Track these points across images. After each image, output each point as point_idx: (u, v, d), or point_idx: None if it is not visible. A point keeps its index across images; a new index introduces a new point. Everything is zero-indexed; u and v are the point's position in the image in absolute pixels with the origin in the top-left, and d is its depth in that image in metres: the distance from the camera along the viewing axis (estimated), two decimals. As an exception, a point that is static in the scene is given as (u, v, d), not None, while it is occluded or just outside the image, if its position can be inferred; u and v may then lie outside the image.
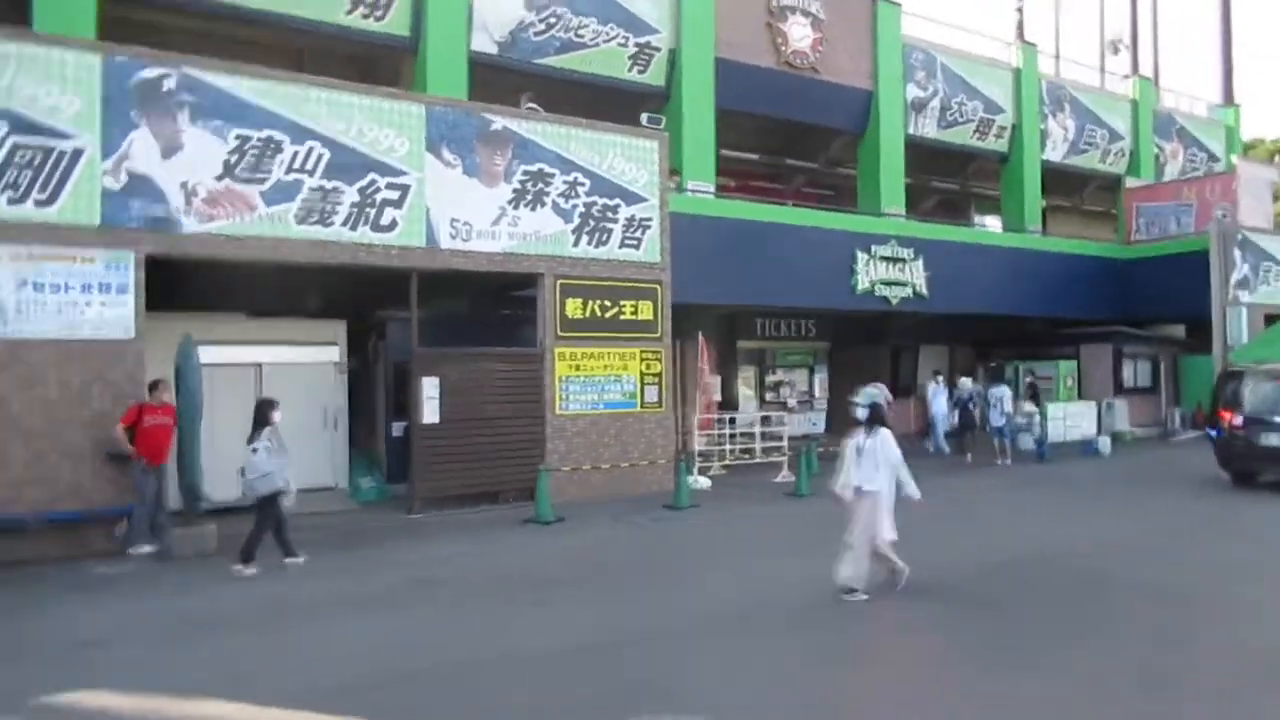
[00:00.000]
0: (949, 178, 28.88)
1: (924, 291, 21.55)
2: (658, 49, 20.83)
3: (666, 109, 21.42)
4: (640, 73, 20.82)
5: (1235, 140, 32.99)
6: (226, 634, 7.22)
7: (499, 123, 13.32)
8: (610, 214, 14.28)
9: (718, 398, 22.04)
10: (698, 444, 15.70)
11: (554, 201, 13.75)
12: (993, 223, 28.91)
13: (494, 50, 18.93)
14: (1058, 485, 15.17)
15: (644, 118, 15.85)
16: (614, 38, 20.25)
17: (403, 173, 12.51)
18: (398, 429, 14.12)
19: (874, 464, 7.92)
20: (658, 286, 14.75)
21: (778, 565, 9.41)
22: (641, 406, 14.48)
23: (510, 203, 13.37)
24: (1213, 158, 31.58)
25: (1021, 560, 9.37)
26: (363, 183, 12.22)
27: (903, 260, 21.25)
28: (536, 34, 19.34)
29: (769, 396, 23.66)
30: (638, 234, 14.55)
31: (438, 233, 12.79)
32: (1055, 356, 24.16)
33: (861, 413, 8.09)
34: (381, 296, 14.67)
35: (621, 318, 14.35)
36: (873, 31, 24.28)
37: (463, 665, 6.33)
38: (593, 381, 14.06)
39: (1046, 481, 15.61)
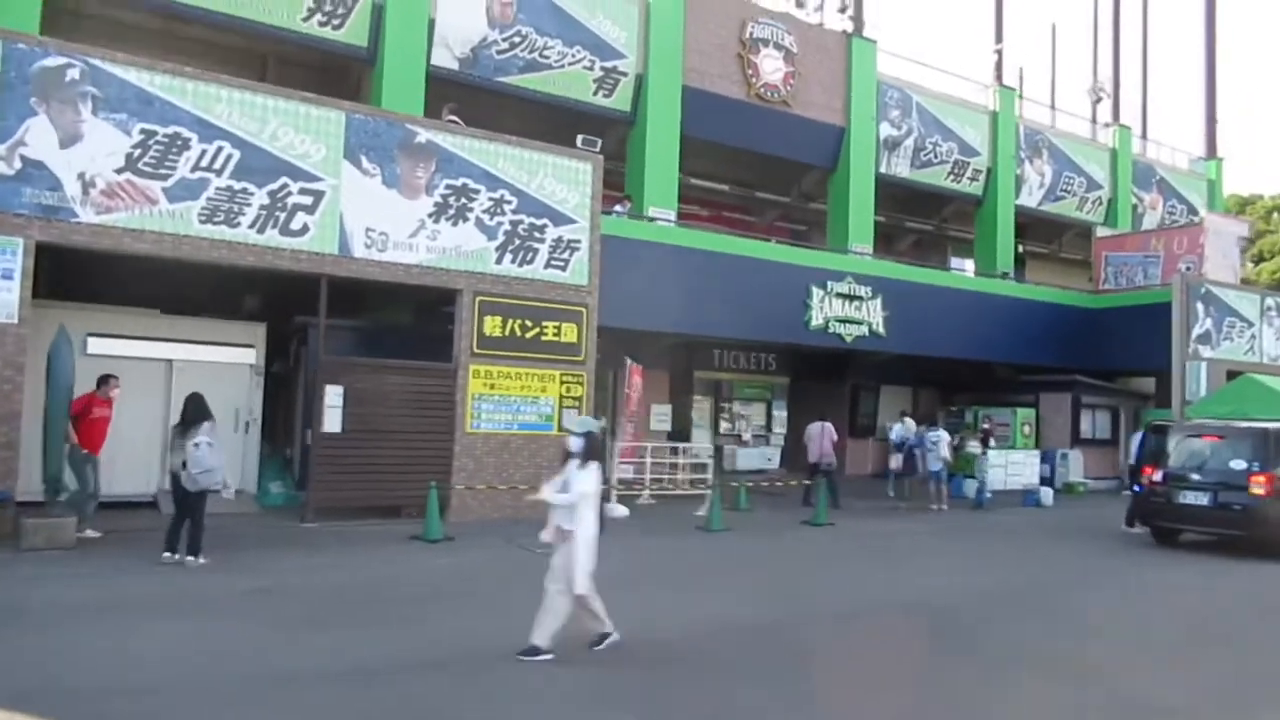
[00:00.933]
0: (925, 218, 28.57)
1: (881, 331, 21.15)
2: (624, 74, 20.62)
3: (631, 134, 21.24)
4: (605, 97, 20.60)
5: (1216, 193, 32.61)
6: (15, 630, 6.88)
7: (423, 135, 13.05)
8: (537, 233, 13.96)
9: (668, 427, 21.68)
10: (619, 472, 15.25)
11: (478, 217, 13.44)
12: (970, 265, 28.57)
13: (455, 66, 18.74)
14: (978, 534, 14.69)
15: (579, 139, 15.57)
16: (579, 60, 20.05)
17: (317, 178, 12.23)
18: (311, 436, 13.76)
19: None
20: (584, 309, 14.40)
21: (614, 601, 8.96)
22: (559, 430, 14.07)
23: (431, 216, 13.06)
24: (1192, 210, 31.18)
25: (843, 613, 8.68)
26: (273, 186, 11.93)
27: (860, 298, 20.86)
28: (500, 52, 19.15)
29: (724, 429, 23.22)
30: (565, 255, 14.22)
31: (351, 241, 12.48)
32: (1016, 403, 23.68)
33: (575, 443, 6.78)
34: (308, 302, 14.37)
35: (543, 339, 13.99)
36: (847, 67, 24.05)
37: (216, 681, 5.94)
38: (507, 401, 13.69)
39: (969, 530, 15.12)
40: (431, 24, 18.26)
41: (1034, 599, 9.67)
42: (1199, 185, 32.49)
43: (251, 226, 11.79)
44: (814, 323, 20.19)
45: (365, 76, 18.47)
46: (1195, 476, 13.17)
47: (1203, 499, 12.98)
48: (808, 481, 17.26)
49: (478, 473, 13.39)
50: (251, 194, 11.78)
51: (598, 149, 15.28)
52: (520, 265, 13.82)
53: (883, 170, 24.84)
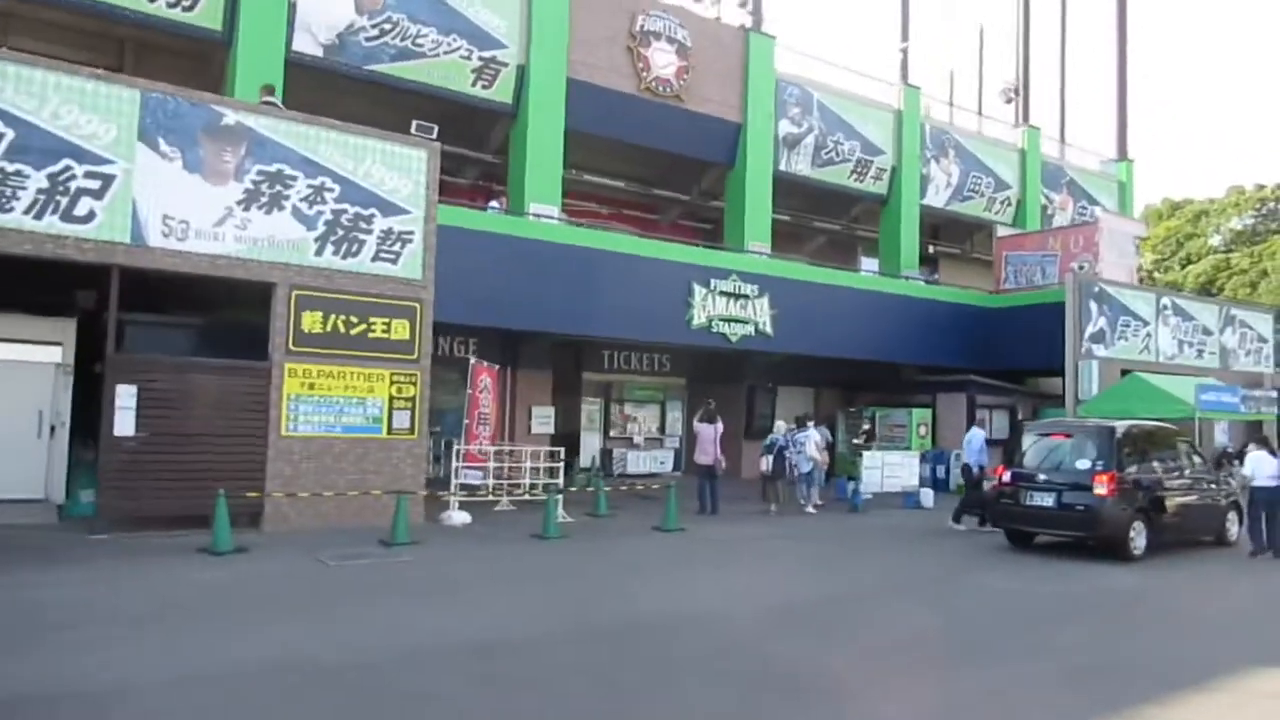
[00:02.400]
0: (833, 218, 27.90)
1: (768, 330, 20.40)
2: (504, 64, 19.72)
3: (513, 128, 20.35)
4: (485, 88, 19.68)
5: (1127, 195, 32.27)
6: None
7: (231, 116, 12.05)
8: (364, 224, 13.00)
9: (550, 429, 20.69)
10: (464, 478, 14.30)
11: (295, 206, 12.46)
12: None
13: (319, 53, 17.74)
14: (834, 538, 13.91)
15: (413, 125, 14.65)
16: (456, 49, 19.12)
17: (107, 161, 11.20)
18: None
19: None
20: (417, 305, 13.44)
21: (357, 619, 8.07)
22: (389, 432, 13.14)
23: (240, 204, 12.07)
24: (1106, 211, 30.82)
25: (603, 630, 7.73)
26: (54, 169, 10.89)
27: (746, 297, 20.10)
28: (368, 39, 18.17)
29: (614, 432, 22.37)
30: (396, 248, 13.27)
31: (146, 229, 11.46)
32: (913, 404, 23.05)
33: None
34: (138, 297, 13.33)
35: (371, 336, 13.03)
36: (744, 63, 23.31)
37: None
38: (330, 402, 12.72)
39: (827, 533, 14.34)
40: (292, 7, 17.27)
41: (837, 609, 8.88)
42: (1110, 187, 32.15)
43: (27, 212, 10.74)
44: (696, 322, 19.40)
45: (228, 63, 17.42)
46: (1042, 477, 12.48)
47: (1048, 500, 12.31)
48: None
49: (295, 479, 12.40)
50: (27, 176, 10.73)
51: (434, 135, 14.33)
52: (344, 258, 12.86)
53: (782, 168, 24.14)
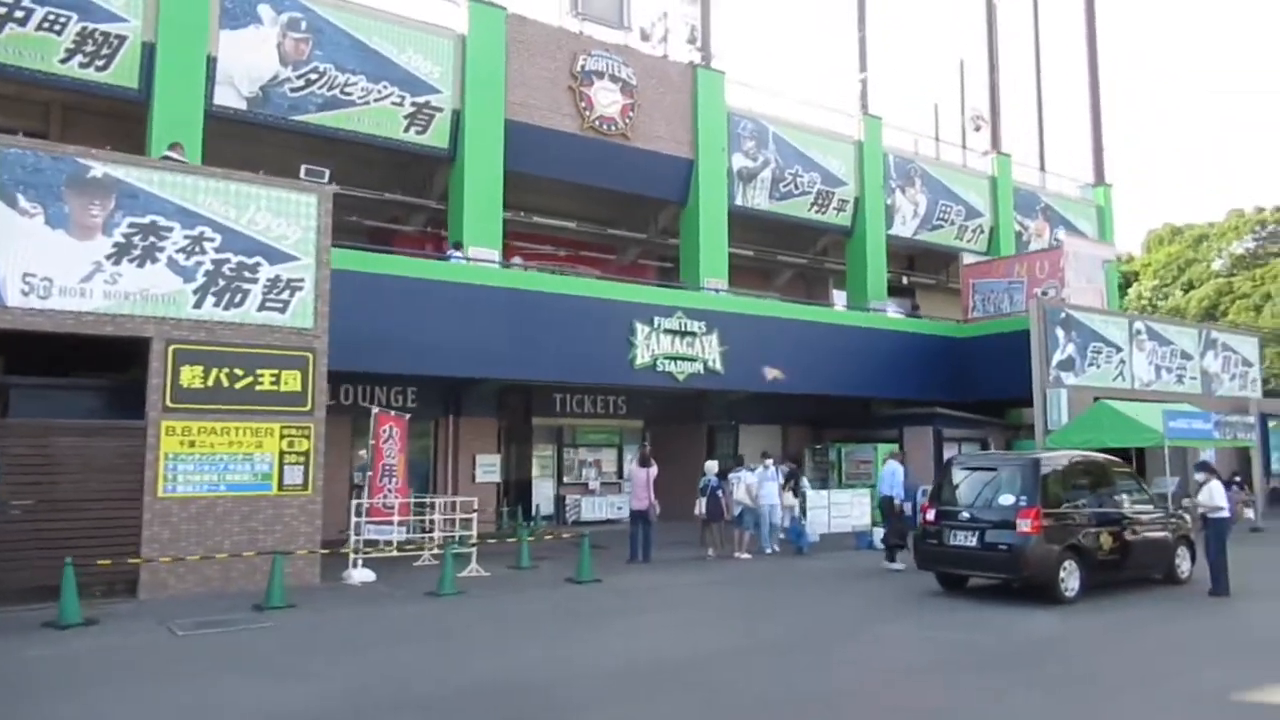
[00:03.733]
0: (800, 252, 27.16)
1: (718, 367, 19.60)
2: (439, 109, 19.27)
3: (451, 172, 19.86)
4: (419, 134, 19.24)
5: (1107, 220, 31.28)
6: None
7: (99, 169, 11.54)
8: (248, 273, 12.40)
9: (496, 478, 19.87)
10: (367, 533, 13.51)
11: (170, 258, 11.88)
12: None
13: (242, 105, 17.37)
14: (761, 585, 12.91)
15: (302, 170, 14.13)
16: (387, 96, 18.70)
17: (-40, 219, 10.72)
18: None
19: None
20: (309, 354, 12.78)
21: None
22: (279, 489, 12.42)
23: (110, 258, 11.51)
24: (1070, 235, 29.86)
25: (391, 704, 7.12)
26: (-97, 229, 10.43)
27: (692, 334, 19.34)
28: (294, 89, 17.79)
29: (568, 478, 21.55)
30: (284, 296, 12.65)
31: (4, 288, 10.92)
32: (880, 439, 22.07)
33: None
34: (11, 362, 12.83)
35: (258, 389, 12.36)
36: (693, 100, 22.77)
37: None
38: (212, 460, 12.02)
39: (756, 581, 13.35)
40: (212, 62, 16.92)
41: (702, 670, 7.96)
42: (1089, 212, 31.20)
43: (-128, 275, 10.25)
44: (639, 361, 18.64)
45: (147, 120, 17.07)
46: (965, 515, 11.54)
47: (971, 539, 11.35)
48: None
49: (175, 541, 11.69)
50: (-128, 239, 10.25)
51: (325, 179, 13.76)
52: (226, 308, 12.24)
53: (739, 203, 23.49)
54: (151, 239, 11.77)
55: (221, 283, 12.23)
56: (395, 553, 14.03)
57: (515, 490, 20.80)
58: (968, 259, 25.44)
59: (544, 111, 20.58)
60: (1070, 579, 11.11)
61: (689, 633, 9.88)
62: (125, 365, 13.17)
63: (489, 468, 19.52)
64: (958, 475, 12.17)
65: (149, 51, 16.34)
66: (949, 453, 21.59)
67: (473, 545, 13.93)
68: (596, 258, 24.61)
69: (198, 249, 12.07)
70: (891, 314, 25.63)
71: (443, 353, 16.28)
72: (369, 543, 13.52)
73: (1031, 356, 20.57)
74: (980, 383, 22.58)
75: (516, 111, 20.12)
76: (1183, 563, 12.62)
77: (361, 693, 7.24)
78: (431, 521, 14.49)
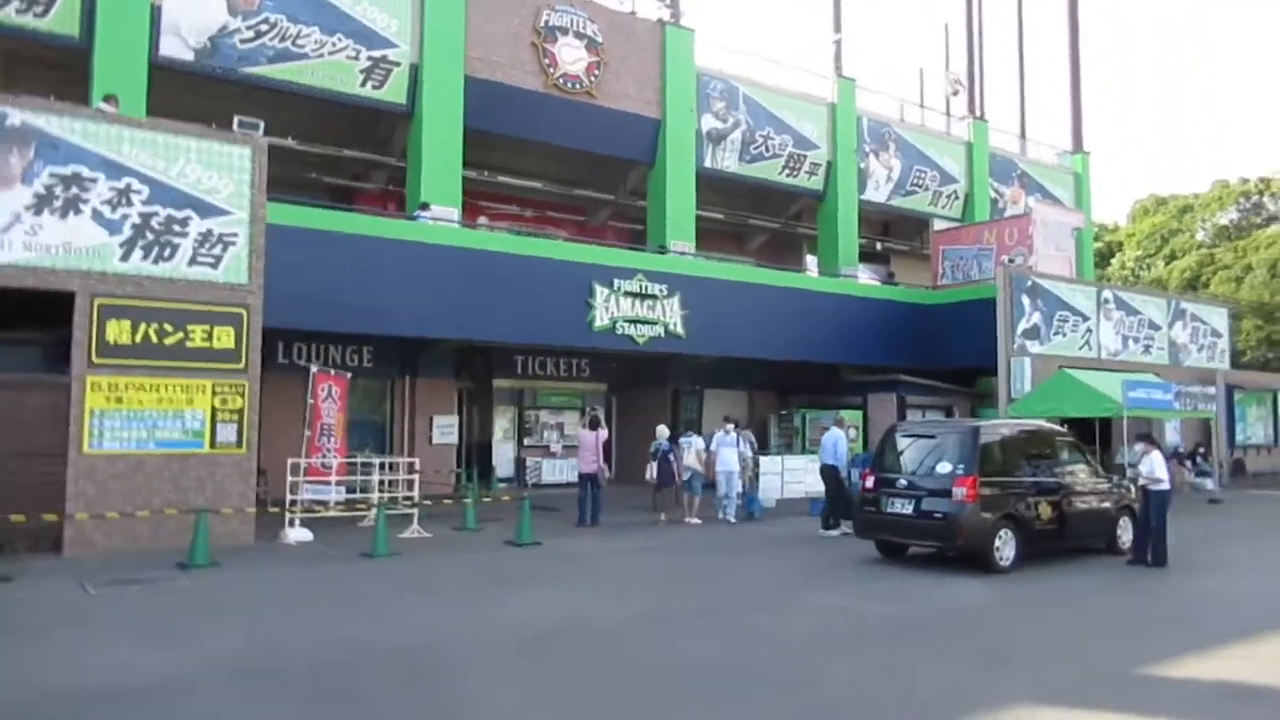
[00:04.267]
0: (774, 216, 26.83)
1: (679, 331, 19.34)
2: (396, 63, 18.81)
3: (410, 128, 19.44)
4: (375, 88, 18.79)
5: (1084, 187, 30.93)
6: None
7: (16, 117, 11.14)
8: (178, 227, 12.06)
9: (453, 440, 19.67)
10: (306, 492, 13.30)
11: (95, 209, 11.53)
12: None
13: (189, 57, 16.90)
14: (704, 551, 12.71)
15: (235, 121, 13.75)
16: (342, 49, 18.24)
17: None
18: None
19: None
20: (243, 311, 12.47)
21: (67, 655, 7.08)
22: (212, 447, 12.18)
23: (30, 209, 11.16)
24: (1040, 202, 29.55)
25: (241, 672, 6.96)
26: None
27: (653, 297, 19.06)
28: (244, 41, 17.31)
29: (529, 440, 21.36)
30: (216, 251, 12.32)
31: (-83, 238, 10.61)
32: (844, 406, 21.89)
33: None
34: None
35: (189, 345, 12.06)
36: (660, 57, 22.30)
37: None
38: (140, 416, 11.76)
39: (698, 546, 13.14)
40: (156, 10, 16.43)
41: (611, 638, 7.74)
42: (1065, 179, 30.83)
43: None
44: (598, 323, 18.37)
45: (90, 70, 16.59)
46: (903, 482, 11.34)
47: (908, 507, 11.17)
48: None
49: (100, 498, 11.45)
50: None
51: (259, 130, 13.39)
52: (155, 263, 11.91)
53: (708, 165, 23.12)
54: (74, 190, 11.41)
55: (150, 236, 11.89)
56: (339, 513, 13.87)
57: (476, 452, 20.59)
58: (938, 225, 25.13)
59: (506, 68, 20.13)
60: (1005, 548, 10.95)
61: (607, 598, 9.69)
62: (16, 321, 12.82)
63: (446, 429, 19.31)
64: (900, 443, 11.95)
65: (89, -1, 15.83)
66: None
67: (413, 506, 13.72)
68: (565, 219, 24.29)
69: (124, 201, 11.72)
70: (865, 280, 25.41)
71: (395, 312, 16.03)
72: (318, 503, 13.31)
73: (997, 324, 20.35)
74: (949, 350, 22.37)
75: (477, 68, 19.67)
76: (1124, 534, 12.47)
77: (223, 660, 6.95)
78: (381, 482, 14.27)
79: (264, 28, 17.45)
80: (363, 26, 18.41)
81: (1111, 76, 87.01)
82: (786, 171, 24.58)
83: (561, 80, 20.70)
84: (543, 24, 20.55)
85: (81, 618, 8.39)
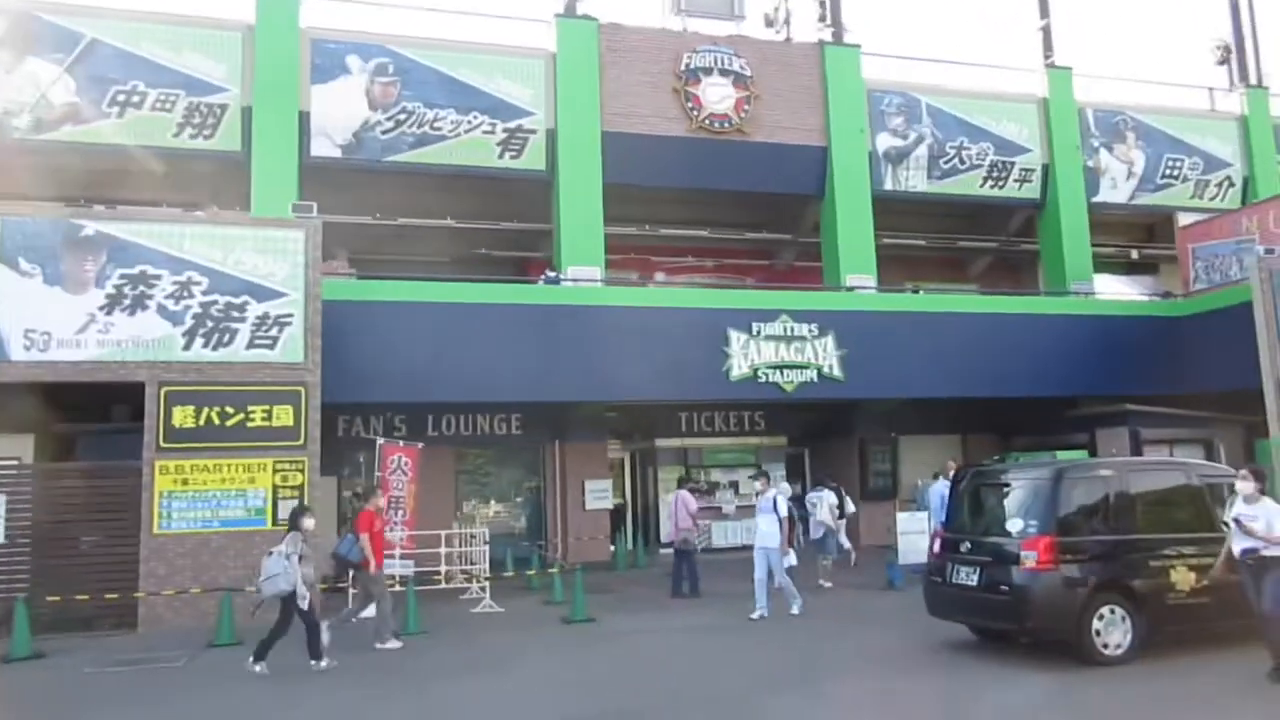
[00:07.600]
0: (991, 235, 23.39)
1: (835, 374, 17.10)
2: (532, 131, 18.74)
3: (551, 193, 19.19)
4: (514, 158, 18.82)
5: None
6: None
7: (91, 228, 12.13)
8: (236, 312, 12.44)
9: (608, 504, 18.58)
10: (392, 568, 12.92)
11: (160, 304, 12.19)
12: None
13: (336, 154, 17.94)
14: (764, 630, 10.67)
15: (290, 206, 13.92)
16: (478, 125, 18.50)
17: (-31, 286, 11.68)
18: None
19: None
20: (301, 389, 12.54)
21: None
22: (274, 524, 12.24)
23: (103, 309, 12.03)
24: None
25: None
26: (-81, 296, 11.54)
27: (801, 339, 17.04)
28: (385, 132, 18.11)
29: (700, 502, 19.78)
30: (273, 332, 12.54)
31: (8, 345, 11.72)
32: (1068, 446, 18.10)
33: None
34: (80, 408, 13.83)
35: (250, 425, 12.31)
36: (822, 81, 20.37)
37: None
38: (205, 497, 12.10)
39: (797, 624, 11.03)
40: (305, 117, 17.62)
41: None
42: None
43: (-106, 339, 11.42)
44: (736, 372, 16.71)
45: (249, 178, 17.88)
46: (966, 545, 8.65)
47: (973, 577, 8.46)
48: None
49: (170, 577, 11.87)
50: (-110, 306, 11.43)
51: (313, 213, 13.52)
52: (215, 349, 12.35)
53: (889, 187, 20.64)
54: (141, 288, 12.17)
55: (210, 324, 12.38)
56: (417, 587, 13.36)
57: (640, 517, 19.48)
58: (1183, 220, 20.40)
59: (645, 118, 19.32)
60: (1111, 632, 7.91)
61: (586, 692, 8.17)
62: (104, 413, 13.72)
63: (599, 493, 18.40)
64: (976, 493, 9.23)
65: (247, 115, 17.24)
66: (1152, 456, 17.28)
67: (468, 580, 12.95)
68: (750, 265, 22.76)
69: (186, 293, 12.32)
70: (1114, 297, 21.34)
71: (492, 380, 15.54)
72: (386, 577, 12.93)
73: (1257, 333, 15.84)
74: (1204, 370, 17.85)
75: (615, 123, 19.06)
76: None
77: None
78: (461, 556, 13.68)
79: (402, 116, 18.11)
80: (497, 100, 18.54)
81: None
82: (990, 183, 21.30)
83: (708, 121, 19.50)
84: (684, 67, 19.56)
85: (50, 697, 8.43)
